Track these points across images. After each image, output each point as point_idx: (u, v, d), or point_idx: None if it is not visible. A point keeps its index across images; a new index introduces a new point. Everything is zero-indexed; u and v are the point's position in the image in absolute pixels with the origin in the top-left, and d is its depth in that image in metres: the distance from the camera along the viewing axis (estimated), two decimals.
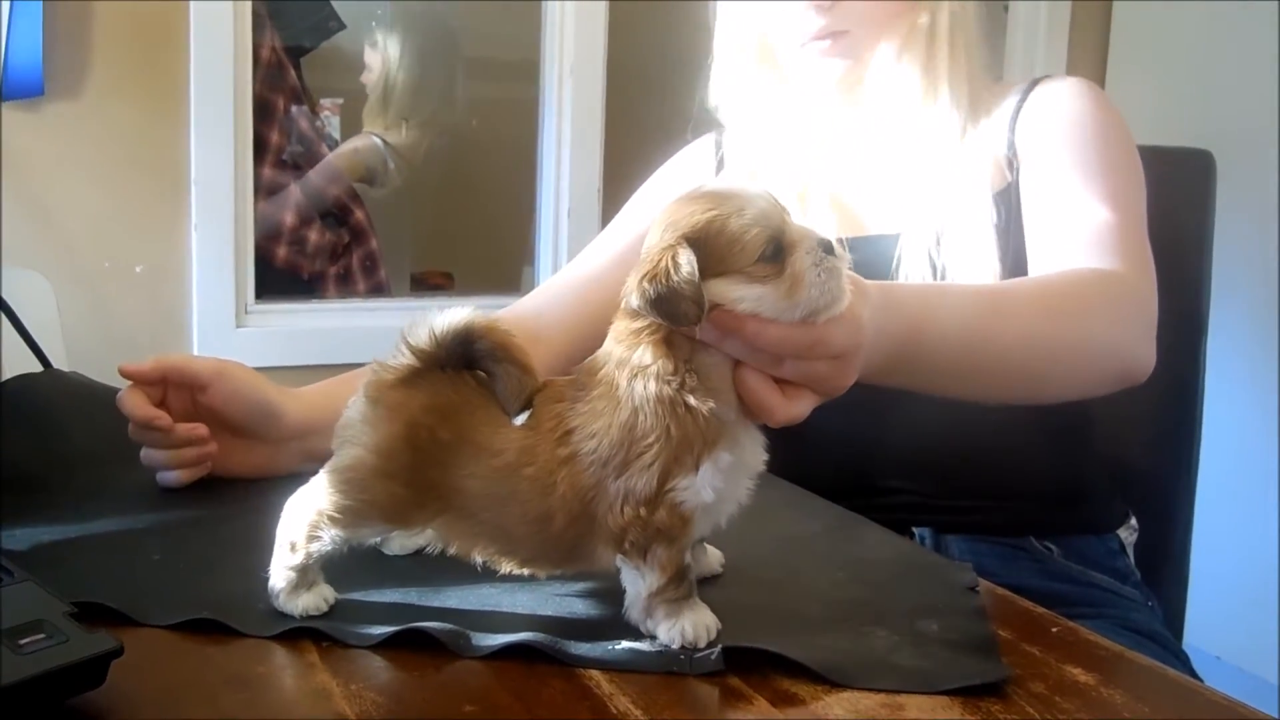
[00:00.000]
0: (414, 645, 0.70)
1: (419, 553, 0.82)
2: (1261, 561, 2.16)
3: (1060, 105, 1.15)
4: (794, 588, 0.81)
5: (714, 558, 0.82)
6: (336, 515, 0.73)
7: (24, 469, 0.95)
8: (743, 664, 0.68)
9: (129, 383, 0.97)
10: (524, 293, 1.58)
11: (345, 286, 2.49)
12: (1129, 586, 1.14)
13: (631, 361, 0.70)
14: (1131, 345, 0.99)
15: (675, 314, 0.67)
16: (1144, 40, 2.58)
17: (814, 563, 0.86)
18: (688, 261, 0.67)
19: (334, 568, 0.80)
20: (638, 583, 0.71)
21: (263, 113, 2.22)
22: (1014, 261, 1.10)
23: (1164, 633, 1.11)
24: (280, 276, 2.31)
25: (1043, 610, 0.79)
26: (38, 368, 1.11)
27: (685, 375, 0.69)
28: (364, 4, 2.98)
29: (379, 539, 0.79)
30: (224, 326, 1.98)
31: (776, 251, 0.69)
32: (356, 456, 0.73)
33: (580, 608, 0.75)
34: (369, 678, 0.66)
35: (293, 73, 2.43)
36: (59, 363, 1.15)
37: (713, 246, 0.69)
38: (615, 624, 0.72)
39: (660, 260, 0.67)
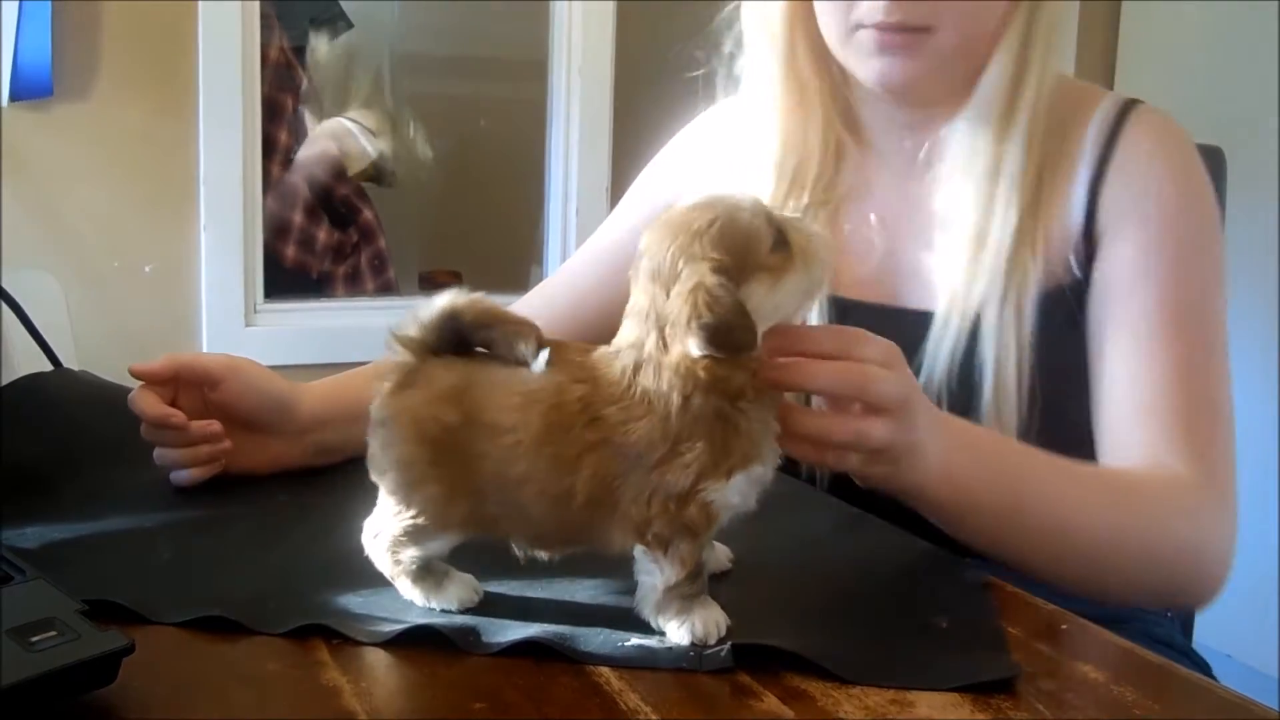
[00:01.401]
0: (424, 642, 0.70)
1: None
2: (1271, 558, 2.15)
3: (1162, 212, 0.99)
4: (803, 584, 0.81)
5: (722, 554, 0.82)
6: (403, 538, 0.74)
7: (34, 468, 0.96)
8: (752, 661, 0.68)
9: (139, 382, 0.97)
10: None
11: (354, 285, 2.49)
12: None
13: (682, 368, 0.68)
14: (1208, 565, 0.92)
15: (734, 343, 0.67)
16: (1153, 37, 2.57)
17: (824, 560, 0.85)
18: (725, 289, 0.67)
19: (343, 565, 0.80)
20: (655, 575, 0.71)
21: (271, 113, 2.22)
22: (1050, 376, 0.98)
23: (1184, 642, 1.10)
24: (289, 276, 2.31)
25: (1053, 607, 0.79)
26: (48, 367, 1.12)
27: (744, 388, 0.69)
28: (372, 4, 2.98)
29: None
30: (233, 326, 1.99)
31: (779, 236, 0.70)
32: (390, 480, 0.74)
33: (589, 604, 0.75)
34: (378, 675, 0.66)
35: (301, 73, 2.44)
36: (69, 362, 1.16)
37: (733, 254, 0.68)
38: (624, 620, 0.72)
39: (697, 300, 0.67)
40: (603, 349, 0.72)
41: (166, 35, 1.92)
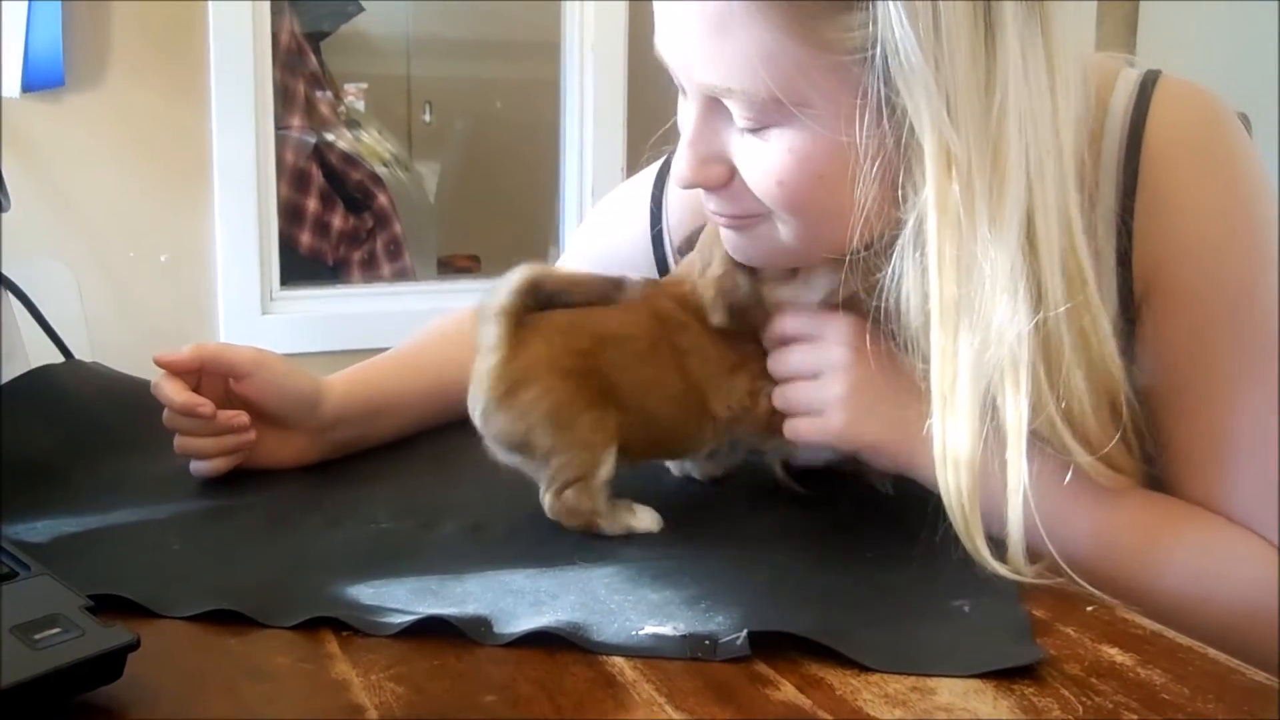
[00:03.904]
0: (435, 634, 0.69)
1: (422, 540, 0.82)
2: None
3: (1211, 266, 0.81)
4: (821, 570, 0.80)
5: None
6: (578, 479, 0.81)
7: (45, 461, 0.95)
8: (769, 648, 0.67)
9: (152, 374, 0.96)
10: None
11: (370, 271, 2.49)
12: None
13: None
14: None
15: (748, 321, 0.85)
16: (1171, 28, 2.54)
17: (842, 544, 0.84)
18: (745, 280, 0.84)
19: (353, 556, 0.79)
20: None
21: (284, 99, 2.21)
22: None
23: None
24: (305, 262, 2.31)
25: (1077, 589, 0.77)
26: (59, 359, 1.11)
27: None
28: None
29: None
30: (249, 313, 1.99)
31: None
32: (541, 435, 0.80)
33: (603, 593, 0.74)
34: (388, 667, 0.65)
35: (313, 57, 2.43)
36: (83, 354, 1.15)
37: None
38: (638, 609, 0.71)
39: (723, 284, 0.84)
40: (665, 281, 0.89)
41: (177, 23, 1.92)
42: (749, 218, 0.81)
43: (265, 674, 0.65)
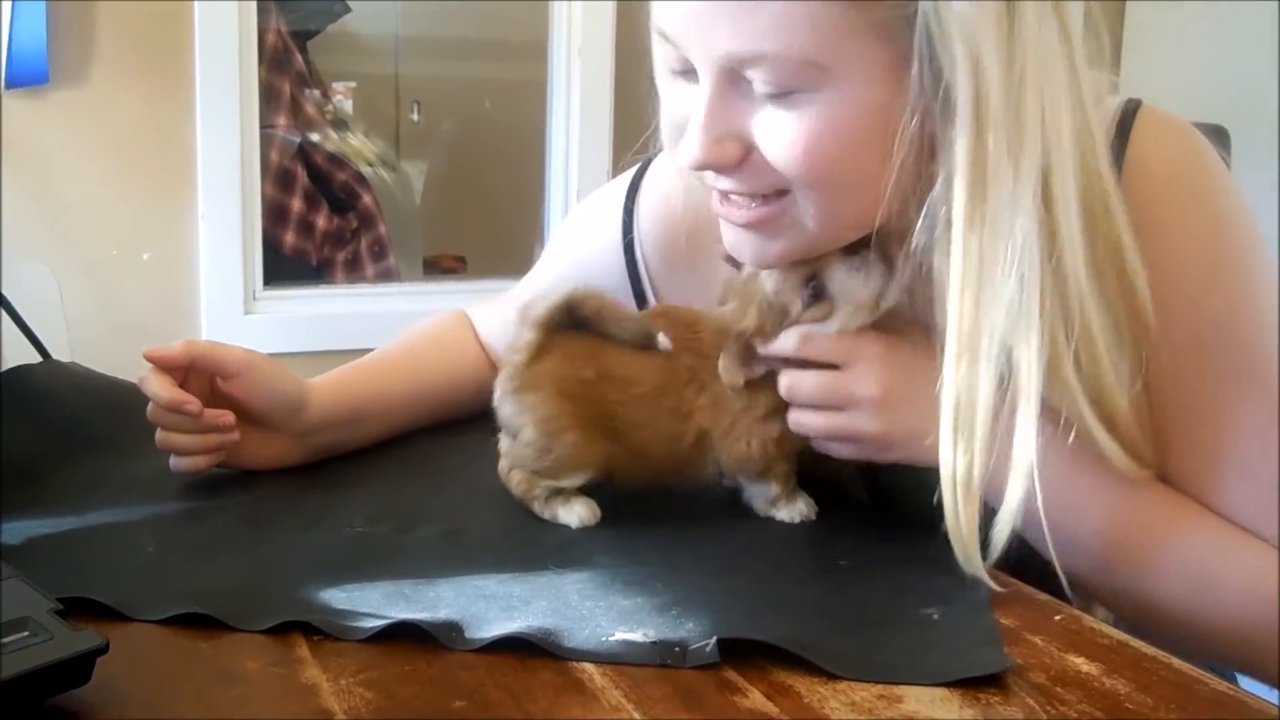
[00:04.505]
0: (406, 638, 0.69)
1: (397, 544, 0.82)
2: None
3: (1199, 302, 0.82)
4: (793, 578, 0.80)
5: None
6: (539, 472, 0.87)
7: (20, 462, 0.95)
8: (738, 655, 0.67)
9: (140, 372, 0.96)
10: None
11: (354, 272, 2.48)
12: None
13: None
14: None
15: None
16: (1158, 19, 2.55)
17: (815, 552, 0.84)
18: (749, 351, 0.86)
19: (328, 560, 0.80)
20: (768, 492, 0.89)
21: (270, 98, 2.21)
22: None
23: None
24: (288, 263, 2.30)
25: (1046, 598, 0.77)
26: (38, 359, 1.11)
27: None
28: None
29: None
30: (232, 313, 1.98)
31: (819, 289, 0.84)
32: (530, 433, 0.87)
33: (574, 599, 0.74)
34: (358, 672, 0.65)
35: (299, 57, 2.43)
36: (61, 353, 1.15)
37: (763, 326, 0.85)
38: (609, 615, 0.71)
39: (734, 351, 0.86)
40: (707, 318, 0.89)
41: (163, 21, 1.91)
42: (765, 205, 0.80)
43: (235, 678, 0.65)
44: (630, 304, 1.04)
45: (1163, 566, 0.82)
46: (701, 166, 0.80)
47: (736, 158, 0.78)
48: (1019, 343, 0.75)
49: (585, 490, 0.89)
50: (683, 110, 0.81)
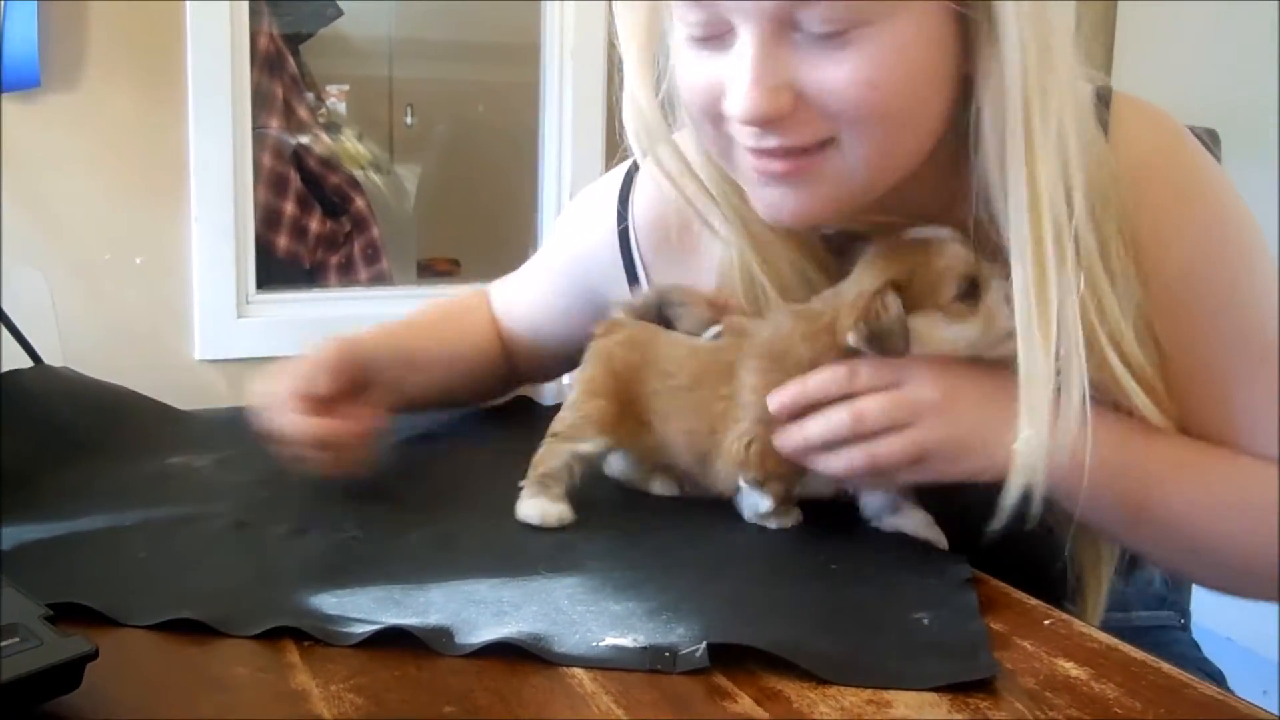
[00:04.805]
0: (396, 644, 0.69)
1: (388, 549, 0.82)
2: None
3: (1197, 277, 0.85)
4: (784, 582, 0.80)
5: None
6: (565, 432, 0.90)
7: (11, 467, 0.95)
8: (728, 660, 0.67)
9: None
10: None
11: (347, 275, 2.48)
12: (1165, 610, 1.10)
13: (805, 359, 0.84)
14: None
15: (887, 349, 0.81)
16: (1150, 20, 2.55)
17: (807, 556, 0.84)
18: (895, 303, 0.80)
19: (319, 565, 0.80)
20: (758, 504, 0.88)
21: (262, 101, 2.20)
22: None
23: (1199, 655, 1.09)
24: (281, 266, 2.30)
25: (1036, 602, 0.78)
26: (29, 364, 1.11)
27: None
28: None
29: (600, 453, 0.92)
30: (225, 317, 1.98)
31: (971, 289, 0.81)
32: (574, 392, 0.93)
33: (565, 604, 0.74)
34: (348, 678, 0.66)
35: (292, 60, 2.42)
36: (54, 357, 1.15)
37: (915, 288, 0.81)
38: (599, 620, 0.71)
39: (872, 304, 0.80)
40: (761, 323, 0.88)
41: (155, 25, 1.90)
42: (807, 156, 0.79)
43: (225, 684, 0.65)
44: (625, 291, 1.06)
45: (1196, 500, 0.85)
46: (757, 119, 0.78)
47: (788, 107, 0.77)
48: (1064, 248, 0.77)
49: (585, 493, 0.90)
50: (711, 76, 0.80)
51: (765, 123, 0.78)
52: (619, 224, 1.06)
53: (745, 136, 0.80)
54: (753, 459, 0.86)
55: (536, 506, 0.88)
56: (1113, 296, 0.81)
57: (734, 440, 0.86)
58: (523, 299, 1.18)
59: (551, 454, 0.90)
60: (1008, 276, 0.78)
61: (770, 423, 0.84)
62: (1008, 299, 0.79)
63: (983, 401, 0.81)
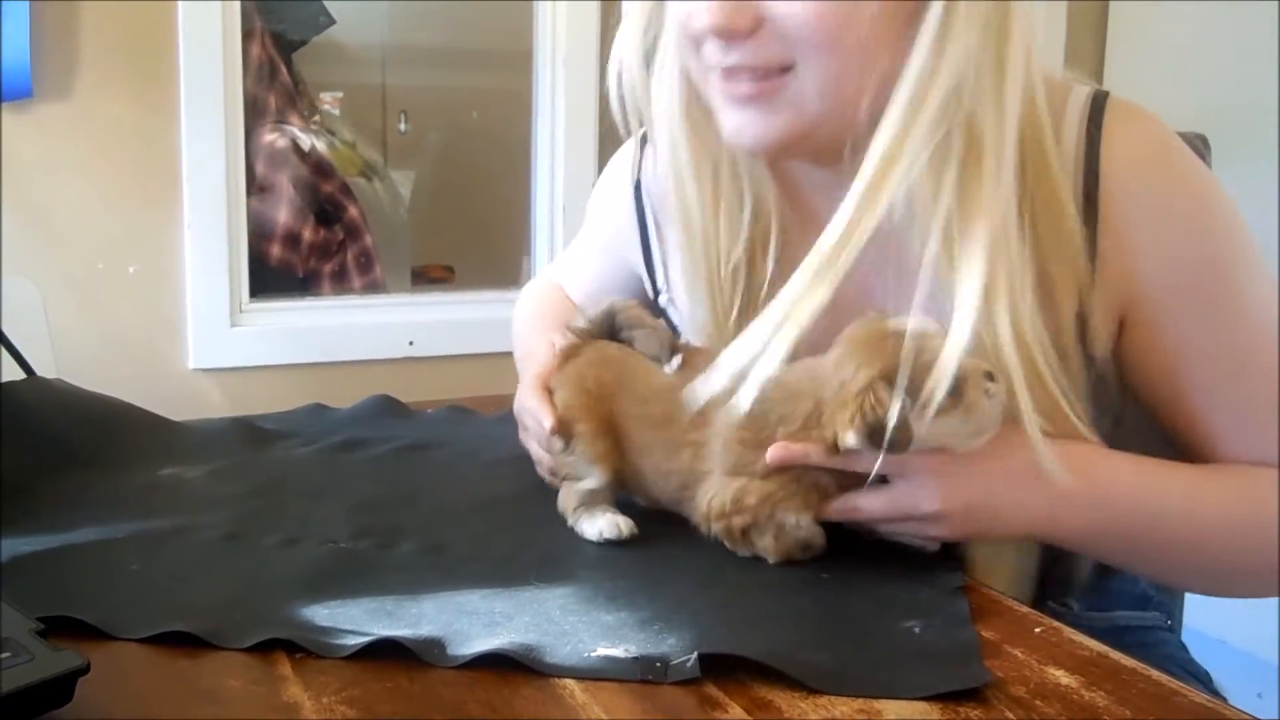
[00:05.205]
0: (388, 655, 0.69)
1: (380, 560, 0.82)
2: None
3: (1190, 275, 0.86)
4: (776, 592, 0.81)
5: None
6: (568, 476, 0.90)
7: (4, 480, 0.95)
8: (719, 670, 0.67)
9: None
10: (522, 283, 1.56)
11: (340, 283, 2.48)
12: (1150, 611, 1.11)
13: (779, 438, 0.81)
14: None
15: (887, 446, 0.77)
16: (1141, 21, 2.56)
17: (798, 566, 0.84)
18: (890, 397, 0.77)
19: (310, 577, 0.80)
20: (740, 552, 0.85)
21: (255, 110, 2.20)
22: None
23: (1186, 656, 1.09)
24: (275, 275, 2.30)
25: (1027, 610, 0.78)
26: (21, 376, 1.11)
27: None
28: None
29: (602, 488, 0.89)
30: (219, 326, 1.98)
31: (954, 386, 0.77)
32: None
33: (557, 614, 0.74)
34: (340, 690, 0.66)
35: (285, 68, 2.42)
36: (47, 368, 1.15)
37: (913, 382, 0.77)
38: (591, 631, 0.71)
39: (864, 400, 0.77)
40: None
41: (147, 34, 1.91)
42: (768, 79, 0.83)
43: (216, 697, 0.65)
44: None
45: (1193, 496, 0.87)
46: (720, 29, 0.81)
47: (749, 25, 0.81)
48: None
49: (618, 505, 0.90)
50: (690, 4, 0.83)
51: (727, 35, 0.82)
52: (634, 176, 1.09)
53: (712, 53, 0.84)
54: (714, 515, 0.84)
55: (607, 521, 0.87)
56: (1021, 245, 0.82)
57: (703, 499, 0.85)
58: (581, 283, 1.20)
59: (570, 494, 0.90)
60: (990, 375, 0.79)
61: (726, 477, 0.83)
62: (988, 393, 0.79)
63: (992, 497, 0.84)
